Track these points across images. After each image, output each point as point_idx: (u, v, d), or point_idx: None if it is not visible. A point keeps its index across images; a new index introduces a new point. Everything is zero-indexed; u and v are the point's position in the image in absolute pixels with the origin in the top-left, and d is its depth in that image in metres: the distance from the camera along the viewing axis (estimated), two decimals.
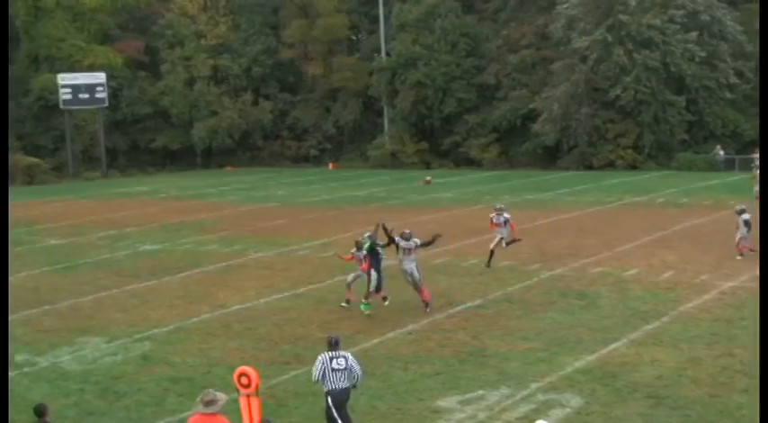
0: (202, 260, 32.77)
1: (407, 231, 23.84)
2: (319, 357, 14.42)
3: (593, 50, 63.87)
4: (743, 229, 29.13)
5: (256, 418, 13.19)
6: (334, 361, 14.29)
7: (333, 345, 14.54)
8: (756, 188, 41.42)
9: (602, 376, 17.75)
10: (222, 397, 12.06)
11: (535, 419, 13.37)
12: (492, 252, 29.38)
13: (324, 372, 14.22)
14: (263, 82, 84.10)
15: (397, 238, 23.48)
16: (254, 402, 13.26)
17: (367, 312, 23.31)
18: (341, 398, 14.20)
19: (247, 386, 13.26)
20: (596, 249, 31.70)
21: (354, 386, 14.52)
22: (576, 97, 65.02)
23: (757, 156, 46.85)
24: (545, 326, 21.88)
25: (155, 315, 24.29)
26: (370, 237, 23.62)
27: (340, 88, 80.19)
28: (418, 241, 23.76)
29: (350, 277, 24.66)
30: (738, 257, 28.78)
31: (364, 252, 23.73)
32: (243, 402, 13.33)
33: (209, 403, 11.87)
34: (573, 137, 65.68)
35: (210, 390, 12.44)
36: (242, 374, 13.38)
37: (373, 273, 23.43)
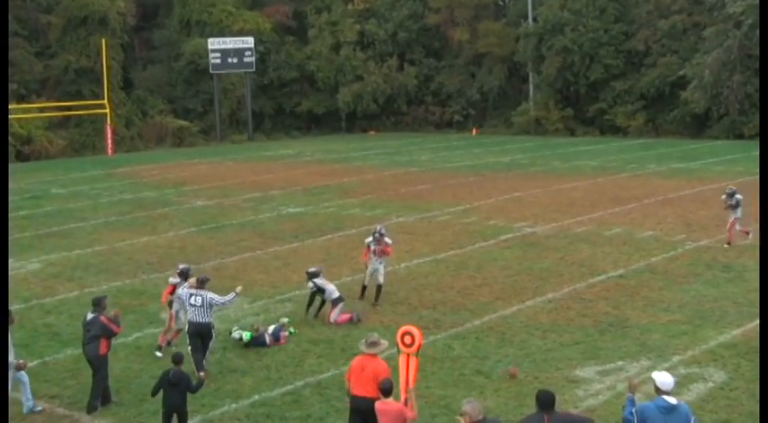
0: (344, 223, 33.08)
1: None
2: (182, 291, 17.36)
3: (749, 16, 61.57)
4: (738, 211, 27.47)
5: (412, 377, 13.28)
6: (192, 298, 16.88)
7: (200, 282, 17.13)
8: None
9: (748, 351, 17.30)
10: (384, 342, 13.29)
11: (677, 393, 12.95)
12: (366, 288, 22.55)
13: (184, 305, 17.26)
14: (408, 47, 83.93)
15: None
16: (413, 362, 13.31)
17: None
18: (195, 329, 16.78)
19: (410, 345, 13.32)
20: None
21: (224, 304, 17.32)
22: (729, 64, 63.03)
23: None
24: (688, 298, 21.46)
25: (296, 277, 24.53)
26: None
27: (485, 54, 79.49)
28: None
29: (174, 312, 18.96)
30: (743, 242, 27.35)
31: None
32: (402, 360, 13.38)
33: (372, 344, 13.07)
34: (724, 105, 63.73)
35: (374, 333, 13.57)
36: (406, 333, 13.39)
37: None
